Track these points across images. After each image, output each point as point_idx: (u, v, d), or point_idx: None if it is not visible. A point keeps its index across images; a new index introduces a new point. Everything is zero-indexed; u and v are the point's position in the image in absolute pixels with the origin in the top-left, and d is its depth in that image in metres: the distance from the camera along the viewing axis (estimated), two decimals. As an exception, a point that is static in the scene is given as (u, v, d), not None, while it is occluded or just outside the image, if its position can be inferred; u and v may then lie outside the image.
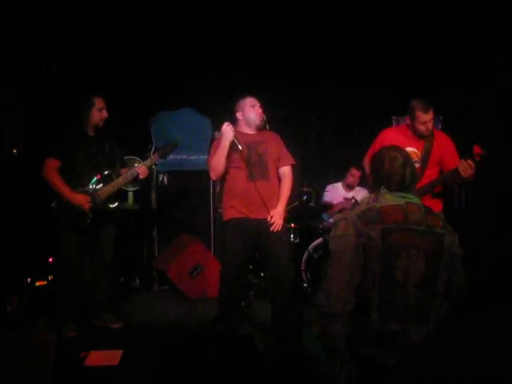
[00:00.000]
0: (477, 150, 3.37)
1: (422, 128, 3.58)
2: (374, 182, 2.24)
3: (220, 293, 3.69)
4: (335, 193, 5.32)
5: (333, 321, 1.99)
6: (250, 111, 3.62)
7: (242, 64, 5.01)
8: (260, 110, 3.63)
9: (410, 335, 2.03)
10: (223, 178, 3.63)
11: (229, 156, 3.52)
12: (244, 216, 3.53)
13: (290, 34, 4.53)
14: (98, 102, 3.69)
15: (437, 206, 3.71)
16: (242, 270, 3.73)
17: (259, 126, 3.64)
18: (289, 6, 4.09)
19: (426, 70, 5.03)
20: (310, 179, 5.23)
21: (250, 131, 3.66)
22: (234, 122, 3.64)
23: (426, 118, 3.54)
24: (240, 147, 3.50)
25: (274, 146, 3.66)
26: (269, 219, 3.50)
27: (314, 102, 5.71)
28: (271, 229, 3.49)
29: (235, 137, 3.48)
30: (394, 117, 5.31)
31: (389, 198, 2.11)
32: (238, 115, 3.66)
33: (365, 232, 2.01)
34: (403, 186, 2.16)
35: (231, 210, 3.57)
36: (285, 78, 5.24)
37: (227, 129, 3.47)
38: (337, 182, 5.40)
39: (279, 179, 3.67)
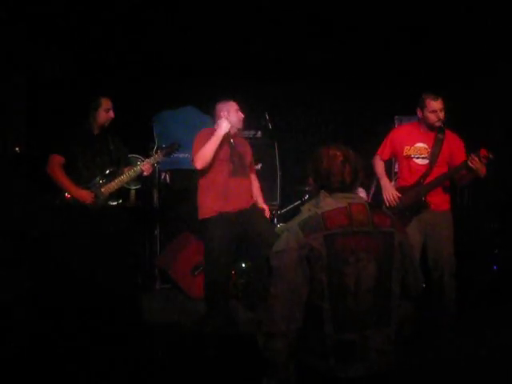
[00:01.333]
0: (483, 152, 3.37)
1: (432, 117, 3.58)
2: (314, 182, 2.10)
3: (205, 290, 3.79)
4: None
5: (275, 339, 1.88)
6: (235, 115, 3.81)
7: (244, 63, 5.01)
8: (242, 116, 3.85)
9: (369, 343, 1.92)
10: (203, 174, 3.75)
11: (214, 155, 3.67)
12: (225, 210, 3.69)
13: (291, 34, 4.53)
14: (106, 103, 3.73)
15: (445, 204, 3.71)
16: (226, 265, 3.79)
17: (240, 129, 3.90)
18: (289, 6, 4.08)
19: (426, 70, 5.02)
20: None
21: (235, 133, 3.88)
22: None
23: (436, 106, 3.55)
24: (232, 140, 3.80)
25: (249, 151, 3.99)
26: (266, 214, 3.99)
27: (315, 101, 5.70)
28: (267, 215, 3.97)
29: (229, 131, 3.70)
30: (396, 116, 5.30)
31: (330, 202, 1.99)
32: (223, 114, 3.78)
33: (307, 243, 1.88)
34: (344, 186, 2.03)
35: (212, 206, 3.72)
36: (285, 78, 5.23)
37: (225, 121, 3.68)
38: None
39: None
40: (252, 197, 3.94)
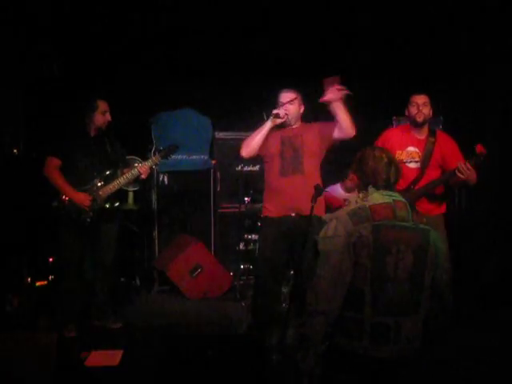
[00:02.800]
0: (479, 149, 3.34)
1: (412, 110, 3.58)
2: (360, 180, 2.32)
3: (253, 300, 3.59)
4: (336, 194, 5.30)
5: (318, 317, 2.07)
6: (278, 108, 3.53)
7: (242, 64, 5.01)
8: (284, 108, 3.49)
9: (401, 328, 2.10)
10: (263, 172, 3.62)
11: (264, 151, 3.49)
12: (277, 213, 3.46)
13: (290, 32, 4.53)
14: (102, 106, 3.71)
15: (437, 209, 3.65)
16: (277, 274, 3.46)
17: (284, 123, 3.52)
18: (288, 4, 4.09)
19: (426, 70, 5.03)
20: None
21: (289, 126, 3.56)
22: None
23: (417, 99, 3.56)
24: (283, 132, 3.48)
25: (311, 134, 3.51)
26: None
27: (313, 101, 5.69)
28: None
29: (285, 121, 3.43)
30: (394, 117, 5.30)
31: (377, 197, 2.19)
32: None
33: (355, 231, 2.08)
34: (389, 184, 2.26)
35: (266, 207, 3.55)
36: (284, 78, 5.22)
37: (278, 111, 3.42)
38: (336, 182, 5.39)
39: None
40: (306, 198, 3.17)
